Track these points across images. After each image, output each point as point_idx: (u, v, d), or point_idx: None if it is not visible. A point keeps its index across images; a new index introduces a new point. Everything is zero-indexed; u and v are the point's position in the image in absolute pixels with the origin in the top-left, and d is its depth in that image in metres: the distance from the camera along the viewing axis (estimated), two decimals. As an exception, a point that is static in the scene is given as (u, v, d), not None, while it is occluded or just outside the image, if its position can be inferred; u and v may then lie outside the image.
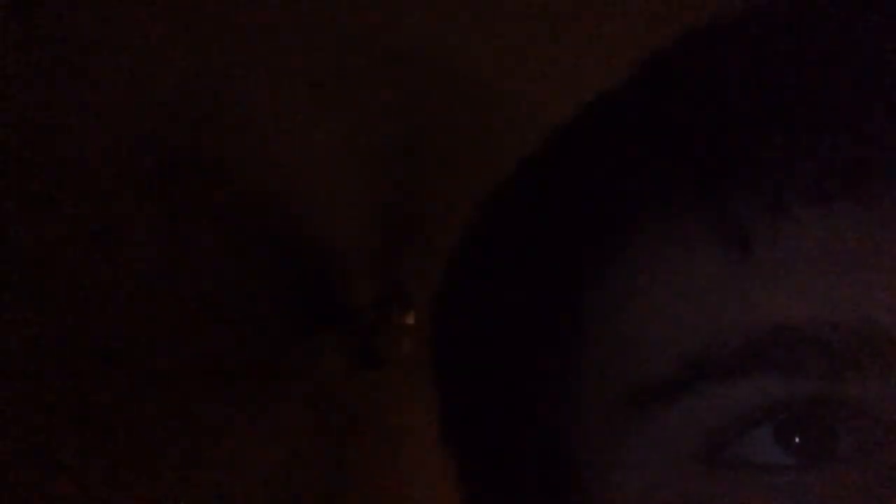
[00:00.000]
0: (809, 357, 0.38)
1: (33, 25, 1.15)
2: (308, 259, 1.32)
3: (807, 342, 0.38)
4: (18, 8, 1.11)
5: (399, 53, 1.32)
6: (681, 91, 0.44)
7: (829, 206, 0.40)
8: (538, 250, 0.46)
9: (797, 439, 0.38)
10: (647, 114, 0.44)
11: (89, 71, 1.20)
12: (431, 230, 1.34)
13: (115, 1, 1.20)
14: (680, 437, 0.40)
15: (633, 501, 0.41)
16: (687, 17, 0.46)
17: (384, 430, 1.37)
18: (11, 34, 1.14)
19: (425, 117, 1.35)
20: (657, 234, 0.42)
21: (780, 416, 0.38)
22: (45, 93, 1.19)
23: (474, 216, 0.52)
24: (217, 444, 1.30)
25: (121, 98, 1.21)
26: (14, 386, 1.21)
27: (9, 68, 1.16)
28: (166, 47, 1.21)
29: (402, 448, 1.37)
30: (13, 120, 1.18)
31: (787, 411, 0.38)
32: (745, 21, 0.44)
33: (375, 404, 1.36)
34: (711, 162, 0.41)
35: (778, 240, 0.40)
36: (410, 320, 1.32)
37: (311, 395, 1.34)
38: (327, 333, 1.32)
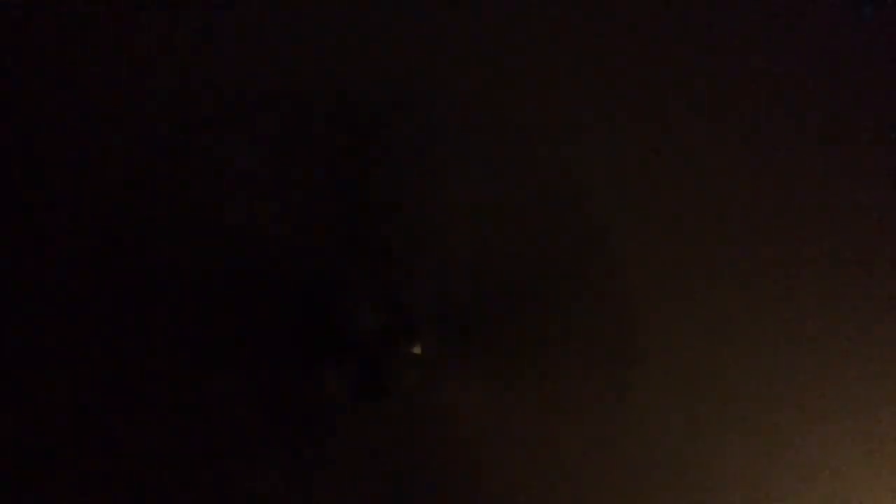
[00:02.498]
0: None
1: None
2: (313, 289, 1.31)
3: None
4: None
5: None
6: None
7: None
8: None
9: None
10: None
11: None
12: (441, 262, 1.33)
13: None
14: None
15: None
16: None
17: (390, 461, 1.35)
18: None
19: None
20: None
21: None
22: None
23: None
24: (219, 474, 1.29)
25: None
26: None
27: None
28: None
29: (409, 479, 1.35)
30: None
31: None
32: None
33: (381, 435, 1.35)
34: None
35: None
36: (417, 350, 1.30)
37: (316, 426, 1.32)
38: (332, 364, 1.31)
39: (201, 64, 1.28)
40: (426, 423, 1.32)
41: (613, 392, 1.40)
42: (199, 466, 1.29)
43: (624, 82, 1.39)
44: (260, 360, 1.30)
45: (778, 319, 1.43)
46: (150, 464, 1.28)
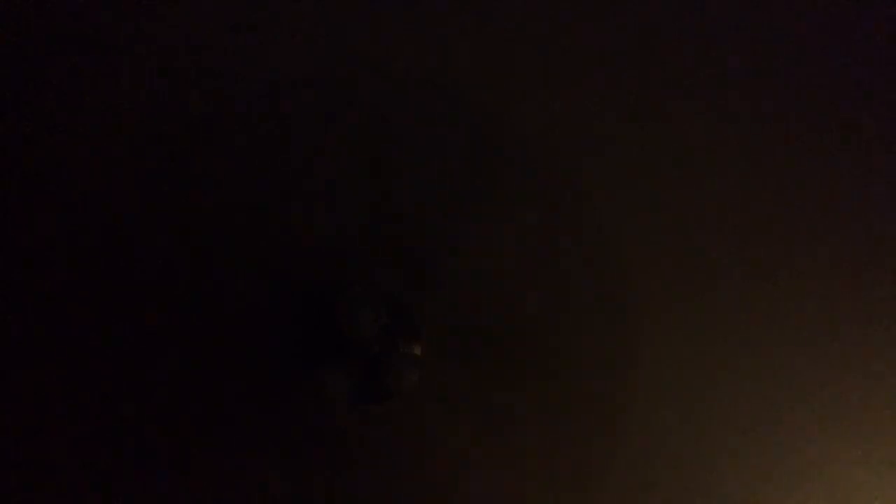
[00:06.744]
0: None
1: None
2: (314, 290, 1.31)
3: None
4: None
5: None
6: None
7: None
8: None
9: None
10: None
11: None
12: (441, 262, 1.33)
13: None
14: None
15: None
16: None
17: (391, 464, 1.35)
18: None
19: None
20: None
21: None
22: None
23: None
24: (222, 477, 1.29)
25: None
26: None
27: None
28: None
29: (410, 480, 1.35)
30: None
31: None
32: None
33: (382, 437, 1.35)
34: None
35: None
36: (418, 351, 1.30)
37: (316, 426, 1.32)
38: (333, 366, 1.30)
39: (199, 60, 1.28)
40: (426, 424, 1.32)
41: (614, 394, 1.40)
42: (198, 466, 1.29)
43: (624, 82, 1.39)
44: (261, 360, 1.30)
45: (778, 320, 1.43)
46: (150, 463, 1.28)
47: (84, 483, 1.27)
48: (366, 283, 1.31)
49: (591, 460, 1.41)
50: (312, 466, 1.32)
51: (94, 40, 1.25)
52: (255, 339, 1.29)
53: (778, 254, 1.43)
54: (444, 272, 1.33)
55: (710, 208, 1.41)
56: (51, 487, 1.27)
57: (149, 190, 1.27)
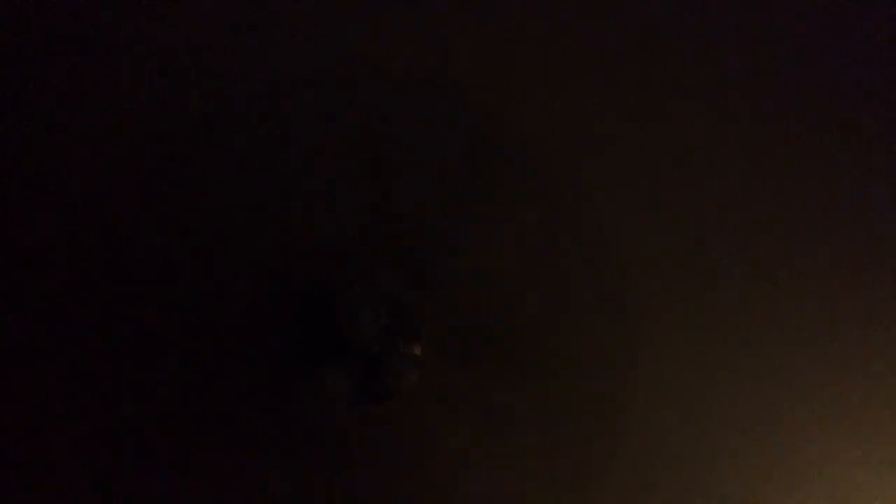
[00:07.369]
0: None
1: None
2: (314, 290, 1.31)
3: None
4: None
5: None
6: None
7: None
8: None
9: None
10: None
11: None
12: (441, 262, 1.33)
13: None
14: None
15: None
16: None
17: (391, 464, 1.35)
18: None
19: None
20: None
21: None
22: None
23: None
24: (222, 477, 1.29)
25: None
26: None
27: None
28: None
29: (410, 480, 1.35)
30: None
31: None
32: None
33: (382, 437, 1.35)
34: None
35: None
36: (418, 351, 1.30)
37: (316, 426, 1.32)
38: (333, 366, 1.30)
39: (199, 60, 1.28)
40: (426, 424, 1.32)
41: (614, 394, 1.40)
42: (198, 466, 1.29)
43: (624, 82, 1.39)
44: (261, 360, 1.30)
45: (778, 320, 1.43)
46: (150, 463, 1.28)
47: (84, 483, 1.27)
48: (366, 283, 1.31)
49: (591, 460, 1.41)
50: (312, 466, 1.32)
51: (94, 40, 1.25)
52: (255, 339, 1.29)
53: (778, 254, 1.43)
54: (444, 272, 1.33)
55: (710, 208, 1.41)
56: (51, 487, 1.27)
57: (149, 190, 1.27)
